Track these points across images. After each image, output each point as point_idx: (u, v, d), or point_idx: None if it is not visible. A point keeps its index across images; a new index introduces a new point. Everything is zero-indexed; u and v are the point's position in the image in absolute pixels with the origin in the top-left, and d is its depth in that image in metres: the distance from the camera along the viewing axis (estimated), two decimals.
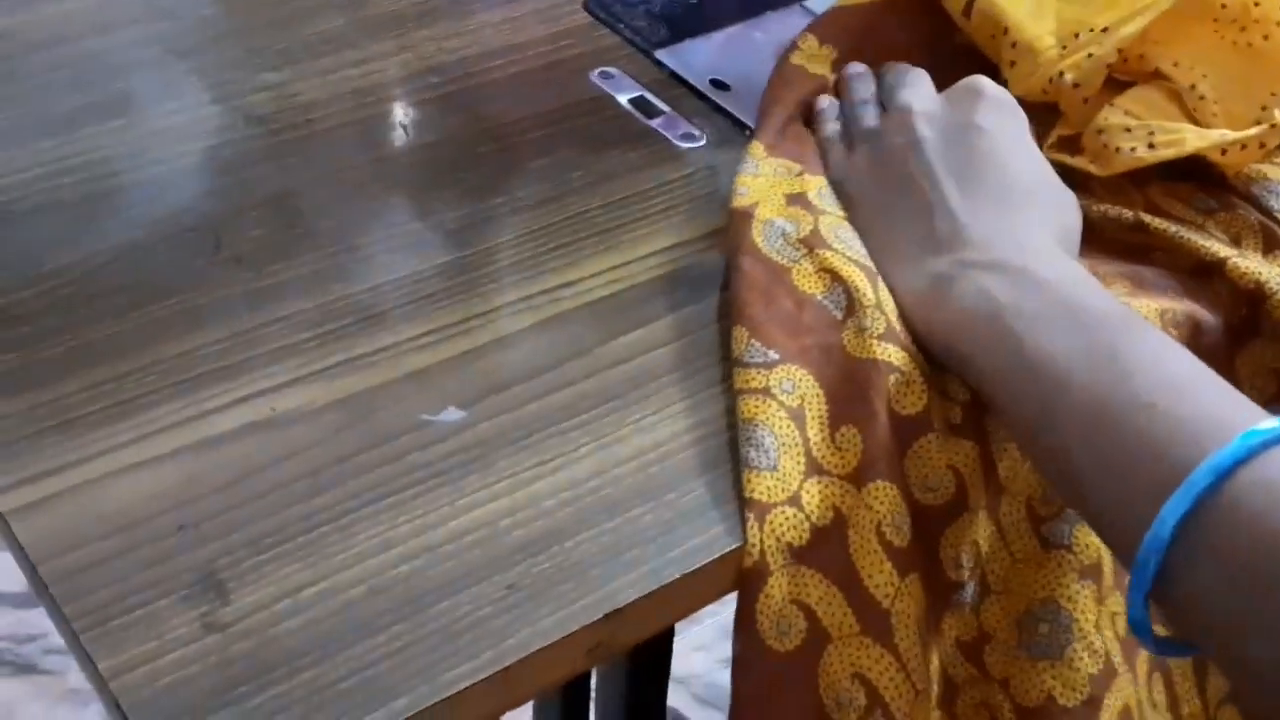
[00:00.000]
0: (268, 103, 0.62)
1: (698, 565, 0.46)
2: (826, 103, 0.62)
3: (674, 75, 0.67)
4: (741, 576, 0.47)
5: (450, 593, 0.44)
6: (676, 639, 0.89)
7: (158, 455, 0.47)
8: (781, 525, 0.47)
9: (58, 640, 1.40)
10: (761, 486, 0.47)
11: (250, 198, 0.58)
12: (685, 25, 0.69)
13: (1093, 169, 0.58)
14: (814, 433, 0.49)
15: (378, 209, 0.58)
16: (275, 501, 0.46)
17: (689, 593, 0.47)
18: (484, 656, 0.43)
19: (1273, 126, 0.57)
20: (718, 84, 0.66)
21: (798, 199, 0.56)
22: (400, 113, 0.64)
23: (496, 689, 0.43)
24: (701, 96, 0.65)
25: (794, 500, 0.47)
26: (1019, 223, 0.53)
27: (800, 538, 0.47)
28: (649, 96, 0.65)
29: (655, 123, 0.64)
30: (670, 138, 0.63)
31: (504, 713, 0.44)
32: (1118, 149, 0.57)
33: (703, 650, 1.37)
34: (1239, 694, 0.45)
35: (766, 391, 0.49)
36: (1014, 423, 0.49)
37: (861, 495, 0.48)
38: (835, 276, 0.52)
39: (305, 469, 0.47)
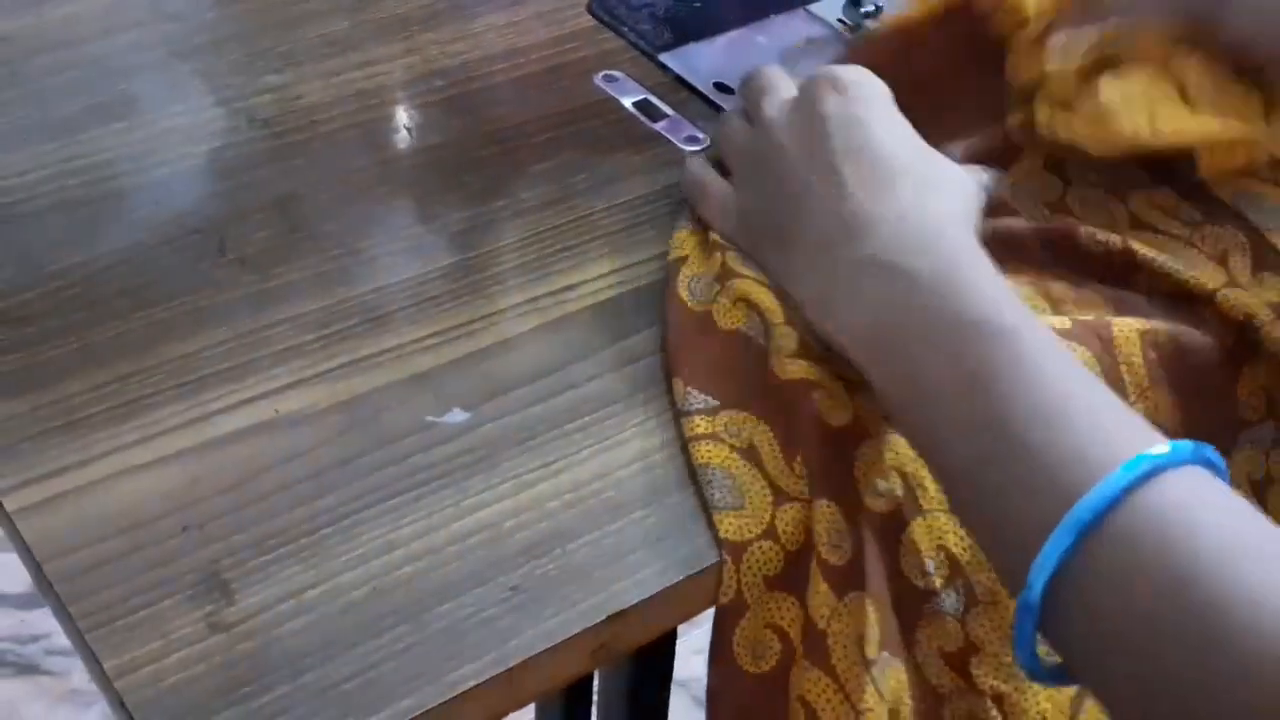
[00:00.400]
0: (271, 105, 0.62)
1: (701, 567, 0.46)
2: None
3: (678, 78, 0.67)
4: (718, 610, 0.47)
5: (454, 594, 0.44)
6: (677, 642, 0.89)
7: (162, 456, 0.47)
8: (758, 560, 0.47)
9: (60, 641, 1.41)
10: (733, 526, 0.47)
11: (254, 200, 0.58)
12: (689, 28, 0.70)
13: (1089, 146, 0.57)
14: (770, 465, 0.49)
15: (381, 212, 0.58)
16: (279, 503, 0.46)
17: (692, 595, 0.47)
18: (487, 658, 0.43)
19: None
20: (721, 87, 0.66)
21: (707, 240, 0.56)
22: (404, 116, 0.64)
23: (500, 690, 0.43)
24: (705, 100, 0.65)
25: (769, 533, 0.47)
26: (904, 208, 0.49)
27: (775, 567, 0.47)
28: (653, 100, 0.65)
29: (659, 126, 0.64)
30: (674, 141, 0.63)
31: (507, 714, 0.44)
32: (1119, 128, 0.56)
33: (703, 654, 1.37)
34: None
35: (714, 436, 0.49)
36: (908, 437, 0.47)
37: (813, 517, 0.48)
38: (749, 303, 0.52)
39: (309, 470, 0.47)
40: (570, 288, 0.55)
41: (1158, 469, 0.39)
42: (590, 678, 0.85)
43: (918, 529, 0.48)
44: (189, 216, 0.57)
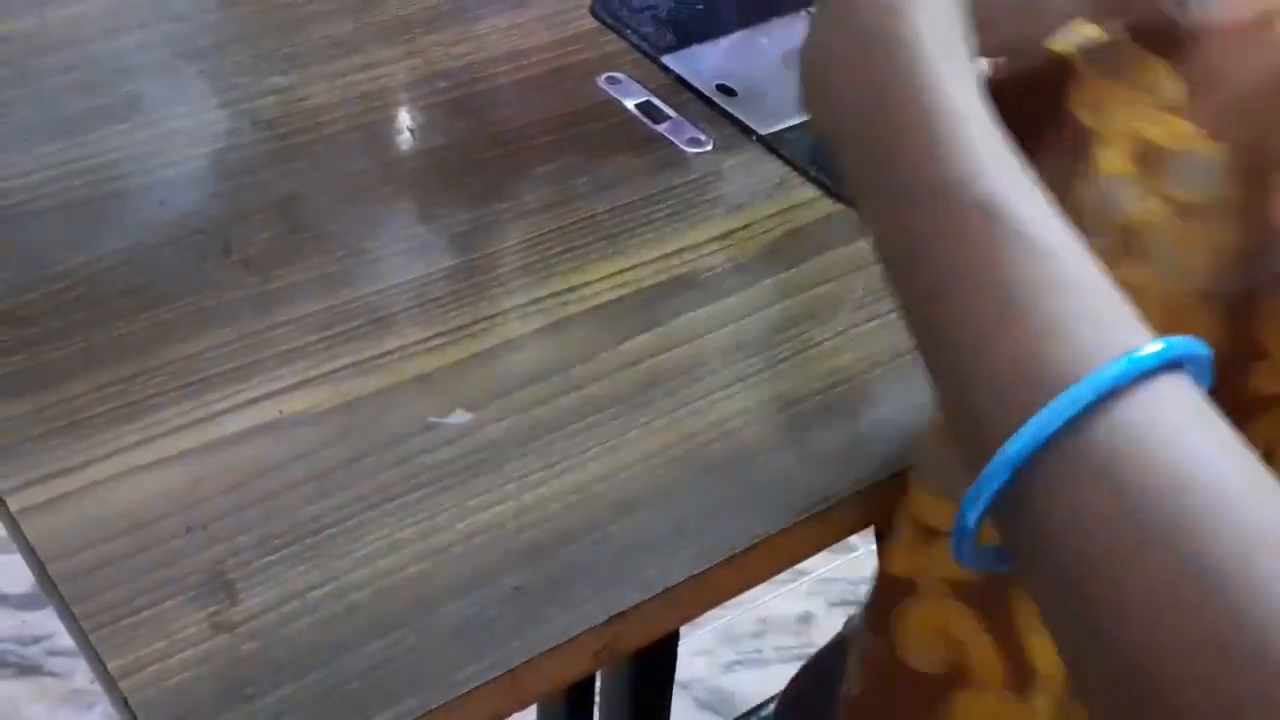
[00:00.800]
0: (275, 107, 0.63)
1: (704, 568, 0.46)
2: None
3: (680, 80, 0.67)
4: None
5: (457, 594, 0.44)
6: (679, 643, 0.89)
7: (166, 457, 0.47)
8: None
9: (62, 642, 1.41)
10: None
11: (258, 201, 0.58)
12: (692, 31, 0.70)
13: None
14: None
15: (385, 213, 0.58)
16: (283, 503, 0.46)
17: (695, 596, 0.47)
18: (490, 658, 0.43)
19: None
20: (724, 89, 0.66)
21: None
22: (407, 117, 0.64)
23: (503, 690, 0.43)
24: (708, 102, 0.65)
25: None
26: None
27: None
28: (655, 102, 0.65)
29: (662, 128, 0.64)
30: (677, 142, 0.63)
31: (510, 714, 0.44)
32: None
33: (705, 655, 1.37)
34: (1043, 618, 0.38)
35: None
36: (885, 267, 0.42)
37: None
38: None
39: (313, 471, 0.47)
40: (573, 289, 0.55)
41: (1137, 373, 0.35)
42: (592, 679, 0.85)
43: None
44: (193, 217, 0.57)
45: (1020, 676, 0.47)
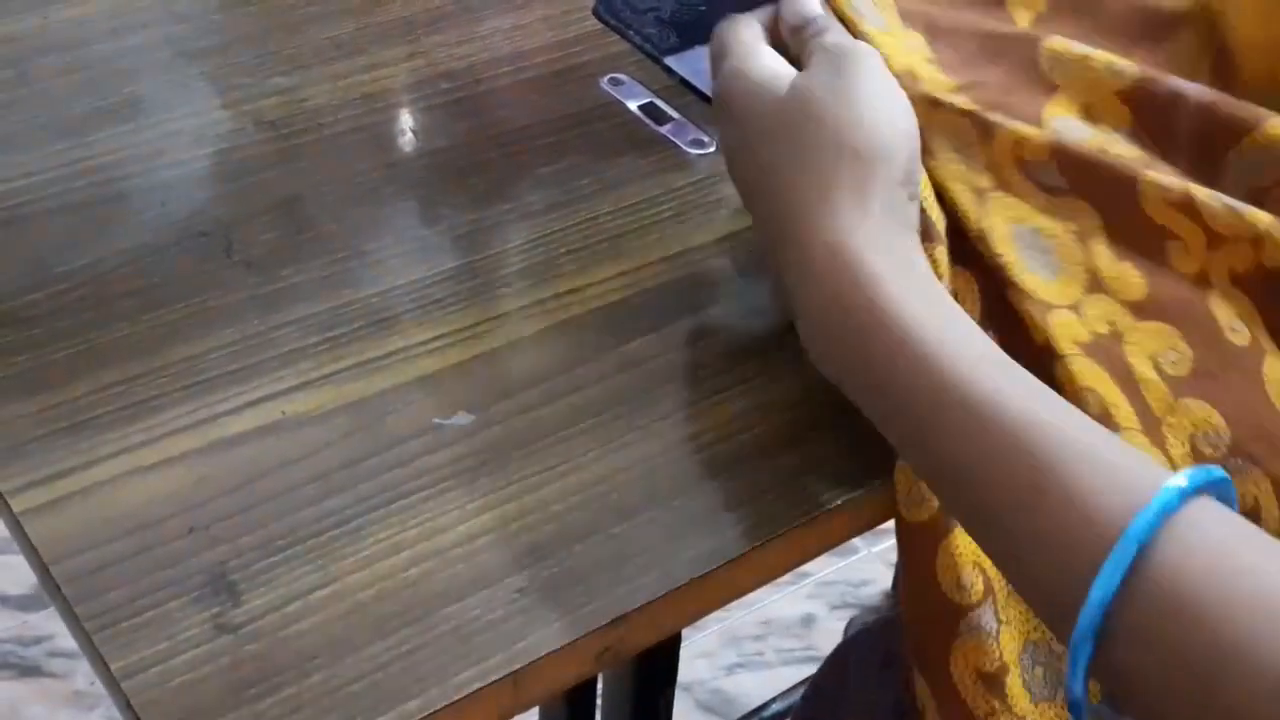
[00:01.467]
0: (278, 107, 0.63)
1: (706, 570, 0.46)
2: None
3: (684, 82, 0.67)
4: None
5: (460, 596, 0.44)
6: (681, 645, 0.89)
7: (169, 457, 0.47)
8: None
9: (63, 643, 1.41)
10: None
11: (261, 202, 0.58)
12: (695, 32, 0.70)
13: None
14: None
15: (388, 214, 0.58)
16: (286, 504, 0.46)
17: (698, 597, 0.47)
18: (493, 660, 0.43)
19: None
20: None
21: None
22: (410, 118, 0.64)
23: (506, 692, 0.43)
24: (711, 103, 0.65)
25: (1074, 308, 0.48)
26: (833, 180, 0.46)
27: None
28: (658, 103, 0.65)
29: (665, 129, 0.64)
30: (680, 144, 0.63)
31: (512, 716, 0.44)
32: None
33: (706, 657, 1.37)
34: None
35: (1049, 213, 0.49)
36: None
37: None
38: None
39: (315, 472, 0.47)
40: (575, 290, 0.55)
41: (1171, 509, 0.38)
42: (594, 681, 0.85)
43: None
44: (196, 218, 0.57)
45: None
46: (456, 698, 0.42)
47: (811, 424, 0.51)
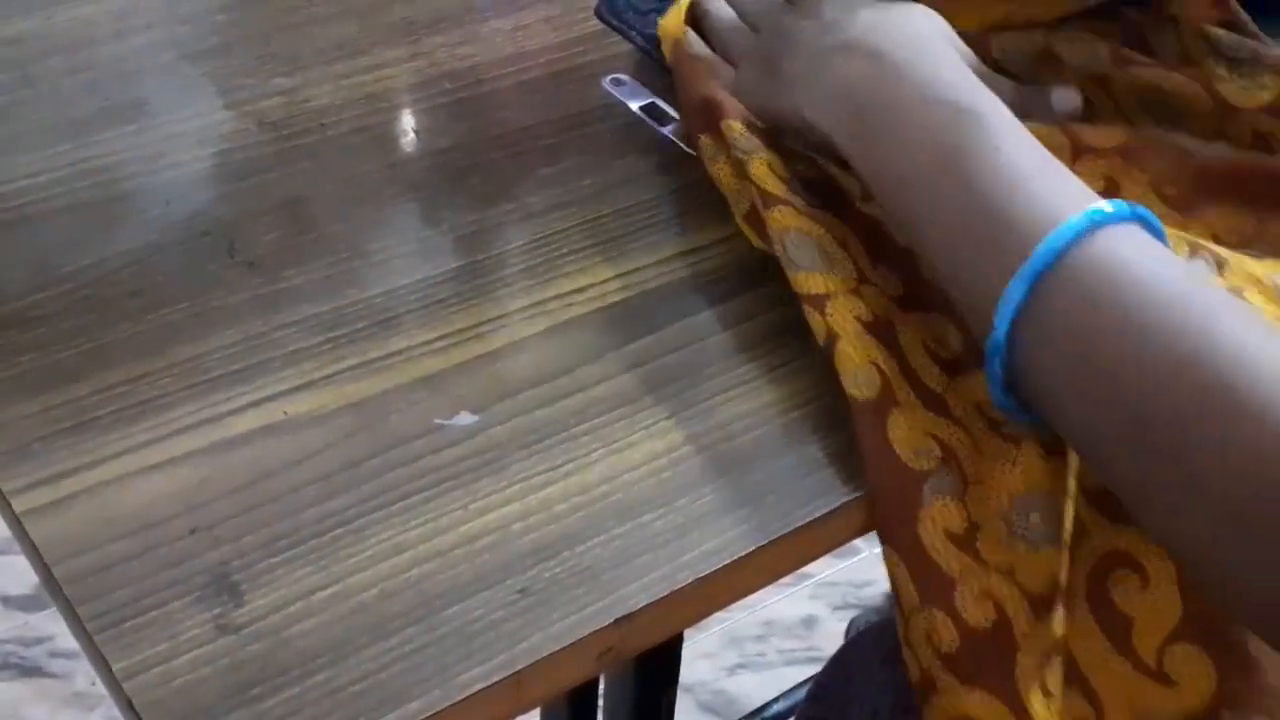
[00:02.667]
0: (281, 108, 0.63)
1: (709, 570, 0.46)
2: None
3: None
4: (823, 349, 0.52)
5: (462, 596, 0.44)
6: (683, 646, 0.89)
7: (171, 458, 0.47)
8: (846, 306, 0.51)
9: (64, 643, 1.41)
10: (819, 283, 0.52)
11: (264, 202, 0.58)
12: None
13: None
14: (861, 261, 0.53)
15: (390, 214, 0.58)
16: (288, 504, 0.46)
17: (700, 598, 0.47)
18: (496, 660, 0.43)
19: None
20: None
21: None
22: (412, 119, 0.64)
23: (508, 693, 0.43)
24: None
25: (855, 291, 0.52)
26: (881, 13, 0.55)
27: (863, 314, 0.51)
28: (660, 103, 0.65)
29: (667, 130, 0.64)
30: (681, 144, 0.63)
31: (514, 717, 0.44)
32: None
33: (708, 658, 1.37)
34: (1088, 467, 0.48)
35: (814, 220, 0.54)
36: (888, 217, 0.53)
37: (908, 315, 0.52)
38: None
39: (318, 472, 0.47)
40: (578, 291, 0.55)
41: (1101, 222, 0.44)
42: (595, 681, 0.85)
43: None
44: (199, 219, 0.57)
45: None
46: (459, 698, 0.42)
47: (813, 425, 0.51)
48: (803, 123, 0.55)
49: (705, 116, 0.58)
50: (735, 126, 0.57)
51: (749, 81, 0.59)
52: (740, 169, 0.56)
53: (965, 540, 0.47)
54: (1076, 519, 0.48)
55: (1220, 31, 0.58)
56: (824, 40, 0.55)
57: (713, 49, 0.63)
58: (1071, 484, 0.48)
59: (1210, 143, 0.57)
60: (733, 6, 0.64)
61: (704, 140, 0.58)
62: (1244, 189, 0.55)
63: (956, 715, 0.46)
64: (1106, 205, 0.45)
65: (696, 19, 0.65)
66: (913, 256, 0.54)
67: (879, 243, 0.55)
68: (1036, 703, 0.46)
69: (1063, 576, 0.47)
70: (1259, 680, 0.46)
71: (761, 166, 0.56)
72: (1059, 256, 0.44)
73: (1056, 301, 0.44)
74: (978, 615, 0.46)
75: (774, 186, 0.55)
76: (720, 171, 0.58)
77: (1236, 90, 0.58)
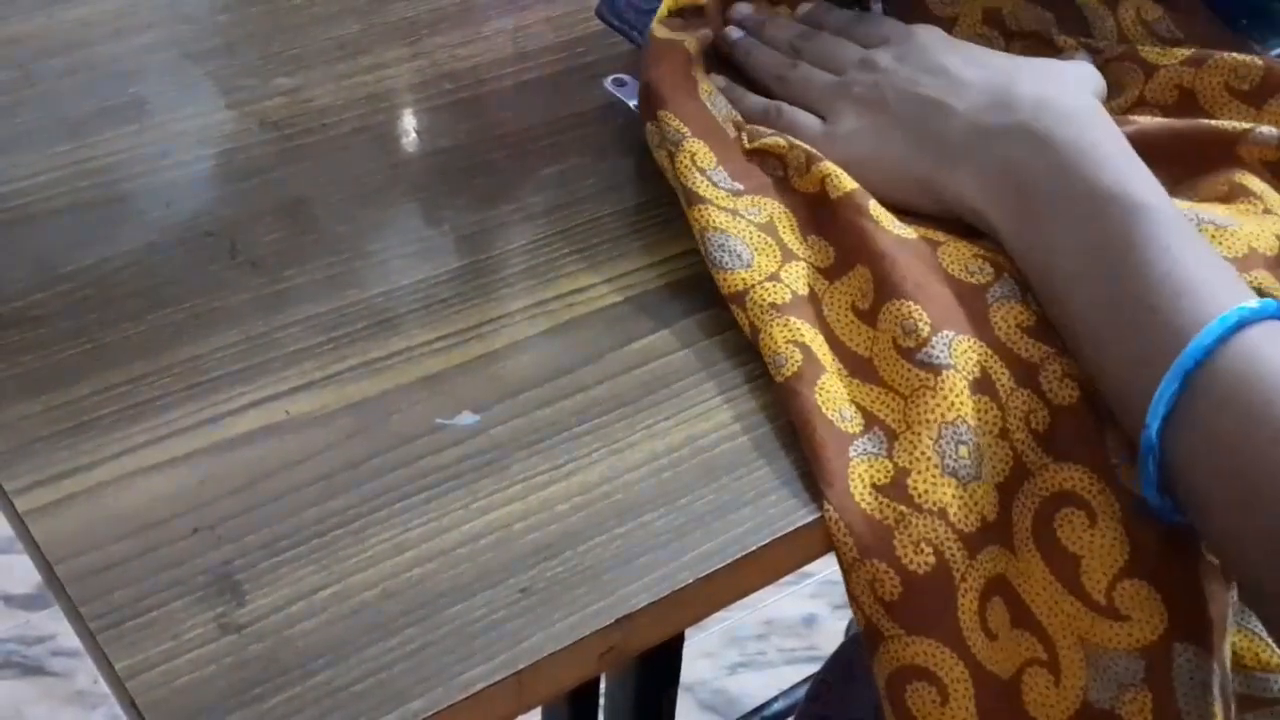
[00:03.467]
0: (282, 108, 0.63)
1: (710, 570, 0.46)
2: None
3: None
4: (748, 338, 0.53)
5: (464, 596, 0.44)
6: (684, 645, 0.89)
7: (173, 458, 0.48)
8: (763, 295, 0.53)
9: (65, 642, 1.41)
10: (738, 281, 0.53)
11: (265, 203, 0.58)
12: None
13: None
14: (786, 236, 0.55)
15: (391, 214, 0.59)
16: (290, 504, 0.46)
17: (702, 598, 0.47)
18: (498, 660, 0.43)
19: None
20: None
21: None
22: (413, 119, 0.64)
23: (510, 692, 0.43)
24: None
25: (773, 277, 0.53)
26: (1043, 88, 0.54)
27: (782, 298, 0.53)
28: None
29: None
30: None
31: (515, 717, 0.45)
32: None
33: (709, 657, 1.37)
34: (1231, 570, 0.48)
35: (734, 212, 0.56)
36: (1035, 287, 0.52)
37: (834, 284, 0.54)
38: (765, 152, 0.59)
39: (319, 472, 0.48)
40: (579, 291, 0.55)
41: (1248, 319, 0.45)
42: (597, 681, 0.85)
43: (947, 251, 0.53)
44: (200, 219, 0.57)
45: None
46: (460, 698, 0.42)
47: None
48: (953, 197, 0.55)
49: (647, 103, 0.60)
50: (669, 118, 0.58)
51: (865, 135, 0.58)
52: (670, 161, 0.58)
53: (896, 488, 0.48)
54: (1020, 460, 0.49)
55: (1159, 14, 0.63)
56: (986, 119, 0.54)
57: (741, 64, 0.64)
58: (1011, 423, 0.49)
59: (1135, 112, 0.60)
60: (771, 30, 0.64)
61: (649, 127, 0.60)
62: (1180, 151, 0.57)
63: (905, 663, 0.47)
64: (1253, 302, 0.45)
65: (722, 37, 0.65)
66: (852, 223, 0.54)
67: (809, 214, 0.56)
68: (979, 645, 0.47)
69: (992, 514, 0.48)
70: (1206, 612, 0.47)
71: (685, 159, 0.57)
72: (1208, 354, 0.45)
73: (1204, 400, 0.45)
74: (917, 560, 0.47)
75: (695, 181, 0.56)
76: (662, 160, 0.59)
77: (1157, 54, 0.61)
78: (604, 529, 0.47)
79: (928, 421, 0.49)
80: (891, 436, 0.49)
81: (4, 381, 0.50)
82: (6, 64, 0.64)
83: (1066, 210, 0.50)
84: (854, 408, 0.51)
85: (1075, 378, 0.49)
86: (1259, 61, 0.59)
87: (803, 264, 0.54)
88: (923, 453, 0.48)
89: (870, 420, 0.50)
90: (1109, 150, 0.51)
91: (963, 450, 0.48)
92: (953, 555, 0.47)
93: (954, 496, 0.47)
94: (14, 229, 0.56)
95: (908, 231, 0.54)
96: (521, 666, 0.43)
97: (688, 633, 0.54)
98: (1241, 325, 0.45)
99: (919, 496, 0.47)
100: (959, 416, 0.49)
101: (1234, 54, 0.60)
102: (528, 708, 0.45)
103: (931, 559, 0.47)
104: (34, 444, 0.47)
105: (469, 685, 0.42)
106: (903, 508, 0.47)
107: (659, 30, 0.63)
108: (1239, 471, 0.44)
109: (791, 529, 0.48)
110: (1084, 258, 0.49)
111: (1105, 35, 0.64)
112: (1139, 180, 0.50)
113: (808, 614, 1.43)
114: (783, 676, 1.35)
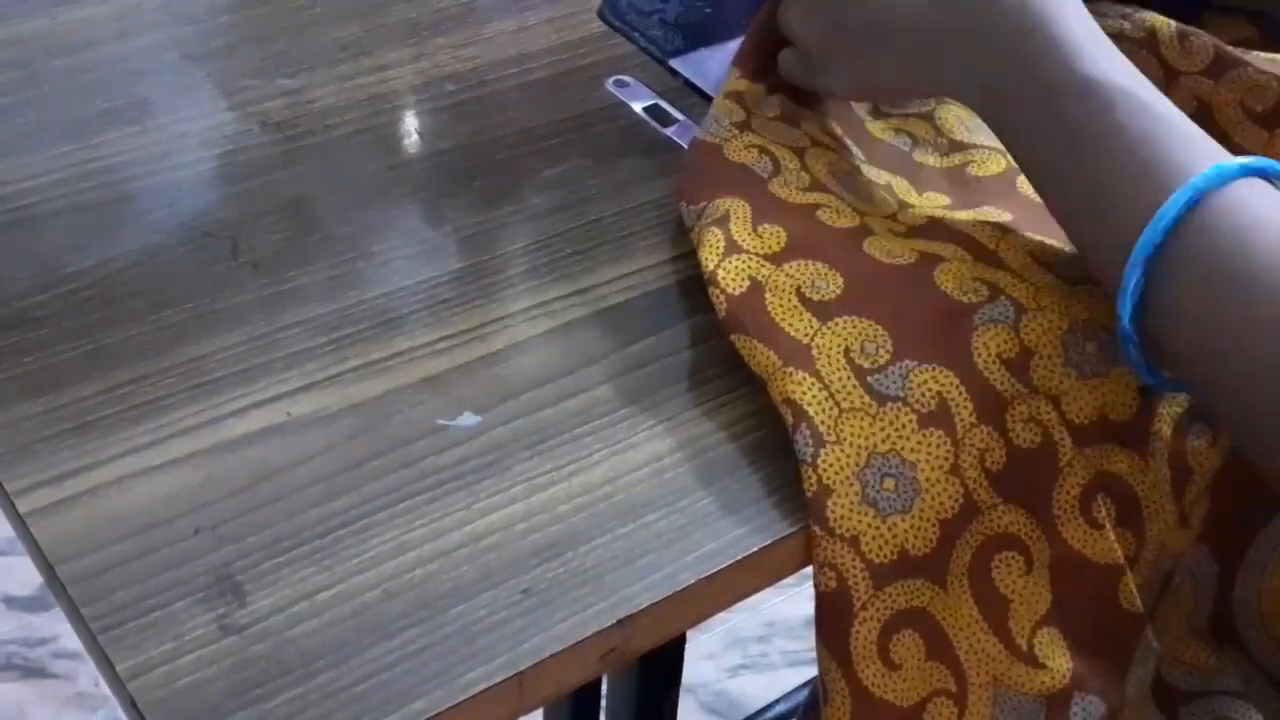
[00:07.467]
0: (284, 109, 0.63)
1: (712, 571, 0.46)
2: None
3: (688, 83, 0.67)
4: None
5: (466, 596, 0.44)
6: (685, 647, 0.89)
7: (175, 458, 0.48)
8: (717, 284, 0.53)
9: (67, 644, 1.41)
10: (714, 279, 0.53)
11: (267, 203, 0.58)
12: (699, 34, 0.70)
13: None
14: (735, 228, 0.54)
15: (393, 215, 0.59)
16: (291, 505, 0.46)
17: (703, 598, 0.47)
18: (499, 660, 0.43)
19: None
20: None
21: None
22: (415, 120, 0.64)
23: (511, 693, 0.43)
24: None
25: (710, 280, 0.53)
26: None
27: (720, 308, 0.52)
28: (663, 105, 0.65)
29: (670, 131, 0.64)
30: (684, 146, 0.63)
31: (517, 717, 0.44)
32: None
33: (711, 659, 1.37)
34: (1208, 414, 0.50)
35: (692, 230, 0.56)
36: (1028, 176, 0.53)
37: (781, 268, 0.53)
38: (762, 150, 0.58)
39: (321, 473, 0.48)
40: (581, 291, 0.55)
41: (1203, 191, 0.45)
42: (598, 682, 0.85)
43: (946, 269, 0.52)
44: (202, 220, 0.57)
45: None
46: (462, 698, 0.42)
47: None
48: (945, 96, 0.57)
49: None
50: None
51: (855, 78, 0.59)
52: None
53: (816, 505, 0.48)
54: (971, 498, 0.49)
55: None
56: (936, 19, 0.53)
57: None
58: (964, 459, 0.49)
59: None
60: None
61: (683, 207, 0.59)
62: None
63: (824, 678, 0.48)
64: (1208, 169, 0.46)
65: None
66: (846, 245, 0.54)
67: (766, 205, 0.55)
68: (870, 672, 0.47)
69: (919, 548, 0.48)
70: (1100, 664, 0.48)
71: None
72: (1166, 237, 0.45)
73: (1168, 286, 0.46)
74: (823, 580, 0.47)
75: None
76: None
77: (1178, 55, 0.60)
78: (606, 530, 0.47)
79: (858, 447, 0.48)
80: (819, 444, 0.48)
81: (6, 382, 0.50)
82: (9, 65, 0.64)
83: (1034, 103, 0.50)
84: (785, 404, 0.50)
85: (1040, 421, 0.49)
86: (1275, 84, 0.59)
87: (746, 255, 0.53)
88: (846, 478, 0.48)
89: (798, 417, 0.49)
90: (1071, 33, 0.51)
91: (888, 483, 0.48)
92: (855, 584, 0.47)
93: (869, 527, 0.47)
94: (16, 230, 0.56)
95: (904, 258, 0.53)
96: (523, 667, 0.43)
97: (689, 634, 0.54)
98: (1199, 201, 0.45)
99: (834, 520, 0.47)
100: (893, 450, 0.48)
101: (1255, 66, 0.59)
102: (529, 709, 0.45)
103: (834, 583, 0.47)
104: (35, 445, 0.47)
105: (470, 686, 0.42)
106: (817, 529, 0.48)
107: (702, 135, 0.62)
108: (1216, 355, 0.45)
109: (793, 530, 0.48)
110: (1049, 155, 0.50)
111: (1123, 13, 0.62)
112: (1105, 62, 0.50)
113: (810, 616, 1.43)
114: (785, 679, 1.35)
